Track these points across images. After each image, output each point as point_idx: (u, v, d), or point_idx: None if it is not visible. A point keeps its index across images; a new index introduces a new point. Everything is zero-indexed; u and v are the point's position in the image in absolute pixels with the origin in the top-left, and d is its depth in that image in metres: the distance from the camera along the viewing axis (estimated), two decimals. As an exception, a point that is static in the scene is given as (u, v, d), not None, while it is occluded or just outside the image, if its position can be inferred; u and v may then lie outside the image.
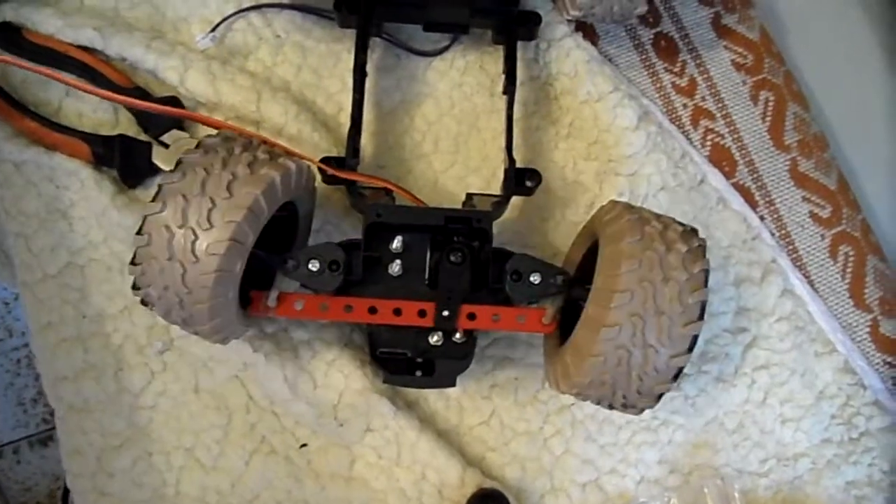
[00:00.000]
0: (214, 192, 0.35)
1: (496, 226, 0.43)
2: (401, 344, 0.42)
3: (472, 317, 0.41)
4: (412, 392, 0.48)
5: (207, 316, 0.37)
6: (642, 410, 0.42)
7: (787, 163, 0.55)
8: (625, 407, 0.41)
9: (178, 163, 0.37)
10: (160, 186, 0.36)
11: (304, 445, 0.47)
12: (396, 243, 0.41)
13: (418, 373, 0.43)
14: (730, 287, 0.51)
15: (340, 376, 0.46)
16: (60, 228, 0.48)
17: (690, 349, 0.37)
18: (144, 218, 0.36)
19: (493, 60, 0.53)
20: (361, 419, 0.47)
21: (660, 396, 0.40)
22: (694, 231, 0.39)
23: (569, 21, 0.52)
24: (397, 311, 0.40)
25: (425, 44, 0.53)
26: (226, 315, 0.38)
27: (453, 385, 0.43)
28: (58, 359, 0.47)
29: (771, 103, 0.55)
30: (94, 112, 0.50)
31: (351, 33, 0.49)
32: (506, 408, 0.49)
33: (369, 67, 0.49)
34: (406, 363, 0.42)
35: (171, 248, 0.35)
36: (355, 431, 0.47)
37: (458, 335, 0.42)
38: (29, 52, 0.48)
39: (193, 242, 0.35)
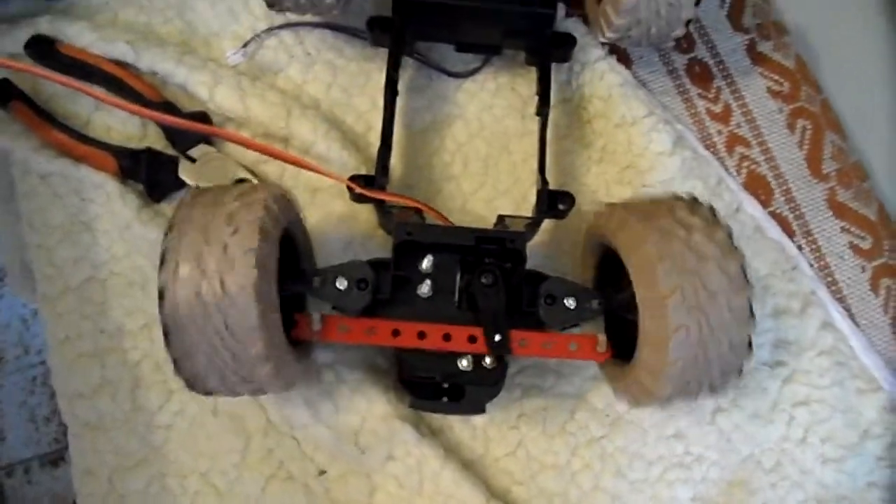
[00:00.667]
0: (218, 233, 0.34)
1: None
2: (429, 368, 0.40)
3: (523, 343, 0.39)
4: (437, 419, 0.47)
5: (264, 355, 0.34)
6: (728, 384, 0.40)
7: (826, 192, 0.53)
8: (712, 390, 0.40)
9: (170, 227, 0.35)
10: (163, 250, 0.35)
11: (322, 472, 0.45)
12: (426, 263, 0.40)
13: (445, 399, 0.41)
14: (768, 319, 0.49)
15: (363, 401, 0.45)
16: (84, 241, 0.48)
17: (752, 314, 0.37)
18: (161, 292, 0.34)
19: (525, 83, 0.52)
20: (384, 446, 0.45)
21: (741, 369, 0.39)
22: (694, 199, 0.39)
23: (603, 44, 0.51)
24: (446, 337, 0.39)
25: (457, 65, 0.52)
26: (278, 350, 0.36)
27: (482, 412, 0.41)
28: (74, 374, 0.46)
29: (808, 131, 0.54)
30: (123, 126, 0.50)
31: (382, 52, 0.48)
32: (533, 439, 0.47)
33: (400, 87, 0.48)
34: (434, 388, 0.41)
35: (202, 303, 0.33)
36: (377, 459, 0.45)
37: (488, 361, 0.40)
38: (61, 65, 0.48)
39: (222, 285, 0.33)
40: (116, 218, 0.47)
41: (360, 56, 0.52)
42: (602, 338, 0.40)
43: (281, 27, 0.52)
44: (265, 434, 0.46)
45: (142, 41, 0.48)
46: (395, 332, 0.39)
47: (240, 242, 0.34)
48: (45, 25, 0.49)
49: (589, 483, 0.47)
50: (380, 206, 0.43)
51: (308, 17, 0.51)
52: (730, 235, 0.37)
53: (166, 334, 0.35)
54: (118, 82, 0.48)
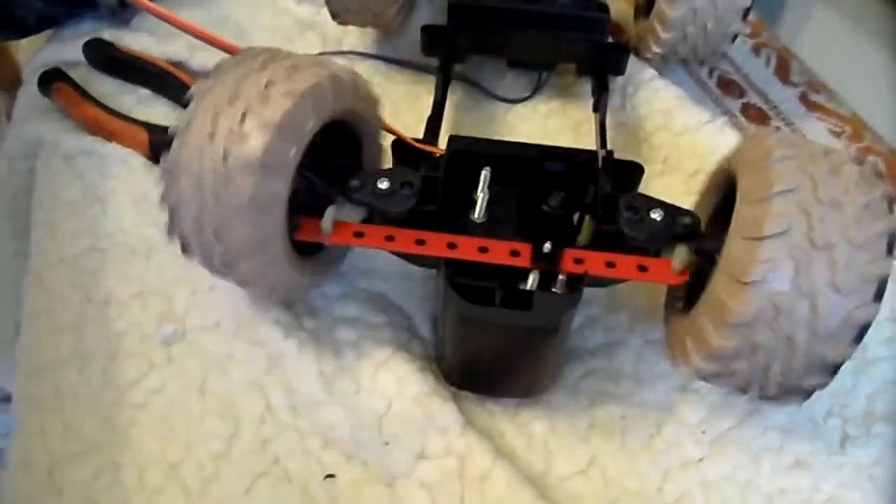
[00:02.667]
0: (250, 94, 0.30)
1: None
2: (488, 279, 0.32)
3: (579, 261, 0.32)
4: (483, 420, 0.36)
5: (250, 244, 0.30)
6: (804, 396, 0.29)
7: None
8: (780, 392, 0.30)
9: (214, 69, 0.32)
10: (190, 94, 0.31)
11: (330, 476, 0.34)
12: (483, 178, 0.34)
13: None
14: (886, 323, 0.40)
15: (391, 379, 0.35)
16: (92, 214, 0.43)
17: (878, 297, 0.27)
18: (170, 141, 0.31)
19: (578, 107, 0.51)
20: (414, 438, 0.34)
21: (835, 370, 0.29)
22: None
23: (650, 59, 0.50)
24: (483, 249, 0.32)
25: (508, 92, 0.51)
26: (272, 244, 0.31)
27: (556, 327, 0.31)
28: (43, 346, 0.38)
29: (880, 167, 0.51)
30: (163, 121, 0.48)
31: (430, 79, 0.48)
32: (609, 455, 0.36)
33: (448, 106, 0.47)
34: (491, 296, 0.32)
35: (201, 160, 0.29)
36: (404, 456, 0.34)
37: (557, 286, 0.32)
38: (115, 63, 0.49)
39: (244, 116, 0.29)
40: (135, 189, 0.43)
41: (408, 80, 0.52)
42: (679, 257, 0.32)
43: (334, 53, 0.53)
44: (261, 422, 0.35)
45: (196, 44, 0.49)
46: (420, 242, 0.32)
47: (261, 114, 0.29)
48: (106, 34, 0.50)
49: (690, 520, 0.34)
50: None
51: (361, 48, 0.52)
52: (890, 197, 0.29)
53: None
54: (169, 78, 0.48)
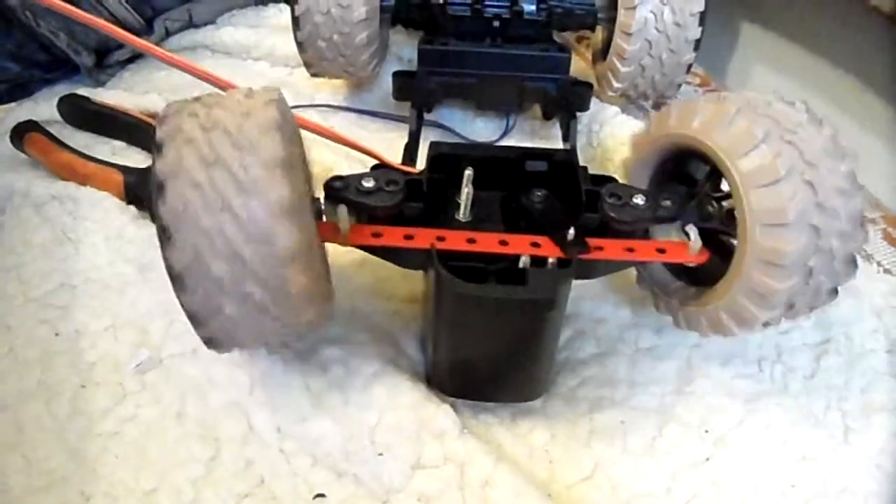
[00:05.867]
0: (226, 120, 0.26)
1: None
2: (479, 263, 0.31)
3: (599, 248, 0.32)
4: (480, 432, 0.34)
5: (292, 248, 0.26)
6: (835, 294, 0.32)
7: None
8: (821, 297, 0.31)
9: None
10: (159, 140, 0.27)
11: (319, 496, 0.31)
12: (466, 179, 0.34)
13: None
14: (870, 316, 0.40)
15: (382, 389, 0.34)
16: (63, 253, 0.42)
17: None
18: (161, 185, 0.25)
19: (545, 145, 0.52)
20: (409, 447, 0.32)
21: (855, 262, 0.31)
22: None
23: (612, 98, 0.53)
24: (471, 240, 0.32)
25: (479, 136, 0.53)
26: (308, 247, 0.27)
27: (552, 301, 0.30)
28: (3, 384, 0.35)
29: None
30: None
31: (402, 127, 0.50)
32: (613, 459, 0.34)
33: (423, 145, 0.48)
34: (485, 276, 0.31)
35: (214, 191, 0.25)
36: (399, 466, 0.32)
37: (550, 262, 0.31)
38: (89, 116, 0.49)
39: (244, 168, 0.25)
40: (108, 229, 0.42)
41: (382, 129, 0.53)
42: (694, 235, 0.32)
43: (307, 106, 0.54)
44: (244, 442, 0.33)
45: (171, 94, 0.50)
46: (440, 239, 0.32)
47: (257, 120, 0.27)
48: (82, 90, 0.51)
49: (705, 519, 0.32)
50: None
51: (332, 101, 0.54)
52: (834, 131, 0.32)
53: (167, 241, 0.25)
54: (144, 128, 0.48)
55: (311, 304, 0.28)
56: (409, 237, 0.32)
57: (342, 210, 0.32)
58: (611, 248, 0.32)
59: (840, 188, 0.30)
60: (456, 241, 0.32)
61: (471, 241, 0.32)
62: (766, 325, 0.32)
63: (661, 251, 0.33)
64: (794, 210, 0.29)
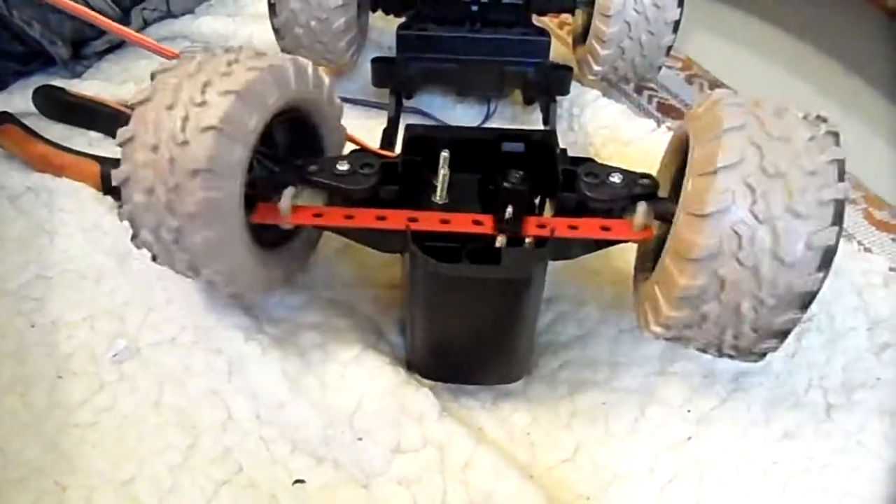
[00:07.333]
0: (187, 99, 0.29)
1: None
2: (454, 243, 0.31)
3: (542, 226, 0.32)
4: (460, 416, 0.34)
5: (209, 245, 0.29)
6: (780, 338, 0.29)
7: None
8: (754, 338, 0.29)
9: (151, 79, 0.31)
10: (152, 75, 0.31)
11: (299, 482, 0.31)
12: (442, 160, 0.34)
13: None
14: (850, 294, 0.40)
15: (362, 373, 0.34)
16: (39, 245, 0.41)
17: (837, 221, 0.27)
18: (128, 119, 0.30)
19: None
20: (389, 431, 0.32)
21: (805, 303, 0.28)
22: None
23: (592, 79, 0.53)
24: (445, 221, 0.31)
25: (459, 122, 0.53)
26: (233, 244, 0.30)
27: (527, 278, 0.30)
28: (-22, 377, 0.35)
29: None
30: (114, 159, 0.47)
31: (382, 114, 0.49)
32: (595, 441, 0.34)
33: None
34: (459, 257, 0.31)
35: (149, 171, 0.29)
36: (379, 451, 0.32)
37: (527, 242, 0.31)
38: (66, 107, 0.48)
39: (184, 121, 0.28)
40: (85, 219, 0.42)
41: (362, 116, 0.53)
42: (640, 212, 0.32)
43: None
44: (222, 429, 0.33)
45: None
46: (381, 218, 0.32)
47: (225, 83, 0.29)
48: (58, 81, 0.50)
49: (690, 498, 0.32)
50: None
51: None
52: (836, 135, 0.29)
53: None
54: (121, 118, 0.48)
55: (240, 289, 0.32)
56: (381, 218, 0.32)
57: (288, 191, 0.32)
58: (554, 225, 0.32)
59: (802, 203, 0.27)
60: (429, 221, 0.31)
61: (444, 221, 0.32)
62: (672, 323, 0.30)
63: (606, 228, 0.32)
64: (716, 205, 0.27)
